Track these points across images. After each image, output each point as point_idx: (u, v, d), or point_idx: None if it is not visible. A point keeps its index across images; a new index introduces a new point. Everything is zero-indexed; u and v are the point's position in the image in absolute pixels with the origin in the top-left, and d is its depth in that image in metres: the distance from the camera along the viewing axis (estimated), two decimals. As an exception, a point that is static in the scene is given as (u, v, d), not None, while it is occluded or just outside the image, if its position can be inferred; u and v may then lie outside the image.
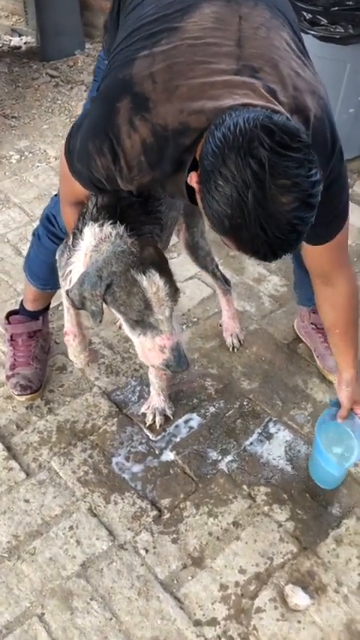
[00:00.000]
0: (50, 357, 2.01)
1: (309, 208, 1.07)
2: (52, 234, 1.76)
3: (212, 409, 1.90)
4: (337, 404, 1.67)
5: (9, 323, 1.94)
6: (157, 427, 1.83)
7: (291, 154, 1.03)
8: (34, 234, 1.85)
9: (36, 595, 1.47)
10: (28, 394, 1.85)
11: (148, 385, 1.94)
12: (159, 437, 1.81)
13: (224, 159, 1.03)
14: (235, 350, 2.08)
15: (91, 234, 1.37)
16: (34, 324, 1.93)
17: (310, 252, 1.47)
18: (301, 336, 2.16)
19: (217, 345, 2.11)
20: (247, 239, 1.07)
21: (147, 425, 1.83)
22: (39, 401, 1.89)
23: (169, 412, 1.85)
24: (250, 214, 1.03)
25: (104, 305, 1.32)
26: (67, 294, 1.40)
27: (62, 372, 1.99)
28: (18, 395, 1.85)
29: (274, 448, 1.81)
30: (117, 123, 1.18)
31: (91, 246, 1.36)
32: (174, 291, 1.32)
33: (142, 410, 1.86)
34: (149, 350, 1.35)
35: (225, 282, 2.05)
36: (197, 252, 1.91)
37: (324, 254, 1.46)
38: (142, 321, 1.31)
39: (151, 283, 1.27)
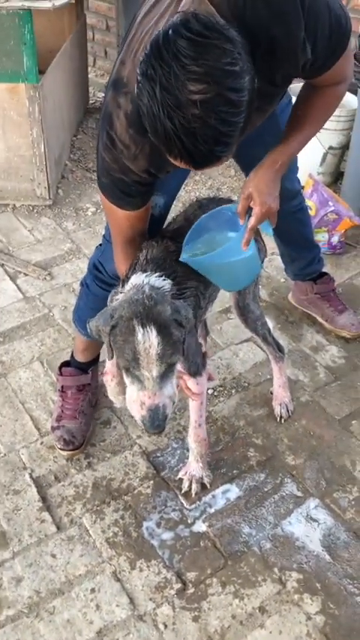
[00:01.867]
0: (96, 411, 2.04)
1: (229, 104, 1.01)
2: (100, 281, 1.83)
3: (252, 482, 1.85)
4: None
5: (61, 374, 1.99)
6: (193, 495, 1.79)
7: (206, 41, 1.00)
8: (82, 284, 1.93)
9: (48, 658, 1.45)
10: (70, 450, 1.87)
11: (188, 450, 1.92)
12: (193, 505, 1.77)
13: (143, 59, 1.05)
14: (283, 421, 2.02)
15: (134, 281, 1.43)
16: (84, 377, 1.96)
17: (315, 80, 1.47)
18: (302, 308, 2.43)
19: (265, 414, 2.06)
20: (163, 138, 1.05)
21: (182, 492, 1.80)
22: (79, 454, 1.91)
23: (206, 480, 1.81)
24: (159, 106, 1.01)
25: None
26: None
27: (106, 427, 2.00)
28: (61, 449, 1.88)
29: (312, 532, 1.72)
30: (108, 112, 1.30)
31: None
32: (170, 355, 1.30)
33: (180, 475, 1.83)
34: (133, 401, 1.35)
35: (278, 348, 2.01)
36: (247, 315, 1.89)
37: (327, 74, 1.41)
38: (130, 372, 1.32)
39: (145, 339, 1.28)
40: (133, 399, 1.35)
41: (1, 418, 2.01)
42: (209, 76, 1.00)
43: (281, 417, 2.03)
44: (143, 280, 1.40)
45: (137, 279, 1.42)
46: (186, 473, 1.81)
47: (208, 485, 1.81)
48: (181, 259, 1.53)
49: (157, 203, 1.67)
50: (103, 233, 1.85)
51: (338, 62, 1.38)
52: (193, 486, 1.79)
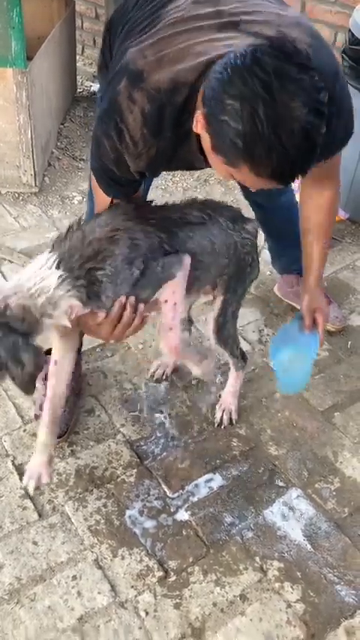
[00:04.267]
0: (80, 399, 2.03)
1: (318, 115, 1.08)
2: None
3: (235, 472, 1.85)
4: (302, 317, 1.83)
5: (45, 361, 1.97)
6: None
7: (292, 62, 1.06)
8: None
9: (28, 644, 1.44)
10: (53, 437, 1.86)
11: (172, 439, 1.92)
12: (176, 494, 1.78)
13: (229, 82, 1.08)
14: (223, 427, 1.96)
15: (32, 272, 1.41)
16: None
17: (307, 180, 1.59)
18: (287, 300, 2.45)
19: (249, 405, 2.07)
20: (262, 154, 1.08)
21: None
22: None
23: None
24: (263, 123, 1.04)
25: None
26: None
27: (90, 415, 1.99)
28: (44, 437, 1.87)
29: (294, 521, 1.73)
30: (119, 102, 1.28)
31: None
32: None
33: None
34: None
35: (242, 358, 1.93)
36: (221, 332, 1.79)
37: (324, 165, 1.48)
38: None
39: None
40: None
41: (-17, 405, 1.99)
42: (304, 91, 1.06)
43: (221, 424, 1.97)
44: (42, 282, 1.35)
45: (37, 262, 1.39)
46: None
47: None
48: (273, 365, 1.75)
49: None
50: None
51: (335, 157, 1.52)
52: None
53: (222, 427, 1.96)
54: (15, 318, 1.32)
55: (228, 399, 1.99)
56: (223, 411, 1.98)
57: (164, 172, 2.53)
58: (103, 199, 1.54)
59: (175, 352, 1.62)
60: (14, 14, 2.53)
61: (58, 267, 1.36)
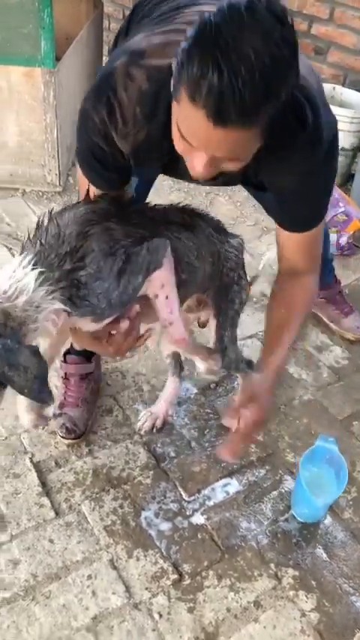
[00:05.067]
0: (99, 399, 2.04)
1: (274, 60, 0.97)
2: None
3: (252, 477, 1.85)
4: (326, 439, 1.75)
5: (65, 361, 1.99)
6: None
7: (266, 9, 0.97)
8: None
9: (43, 641, 1.45)
10: (72, 438, 1.87)
11: (189, 442, 1.93)
12: (192, 497, 1.78)
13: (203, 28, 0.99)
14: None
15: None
16: (88, 366, 1.96)
17: (286, 242, 1.49)
18: None
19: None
20: (196, 71, 0.97)
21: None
22: (81, 441, 1.91)
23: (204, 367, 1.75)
24: (208, 47, 0.96)
25: None
26: None
27: (108, 415, 2.00)
28: (62, 437, 1.88)
29: (310, 530, 1.72)
30: (114, 78, 1.22)
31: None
32: None
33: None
34: None
35: (249, 367, 1.79)
36: (223, 359, 1.68)
37: (300, 245, 1.46)
38: None
39: None
40: None
41: (3, 401, 2.00)
42: (276, 36, 0.97)
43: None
44: (20, 281, 1.19)
45: (12, 263, 1.22)
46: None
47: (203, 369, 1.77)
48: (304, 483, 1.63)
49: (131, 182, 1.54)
50: None
51: (308, 235, 1.45)
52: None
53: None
54: None
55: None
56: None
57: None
58: (85, 189, 1.43)
59: (184, 344, 1.51)
60: (45, 14, 2.56)
61: (35, 266, 1.21)
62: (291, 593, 1.58)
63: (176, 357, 1.92)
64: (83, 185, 1.46)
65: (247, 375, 1.81)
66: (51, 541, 1.65)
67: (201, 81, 0.97)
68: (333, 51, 3.41)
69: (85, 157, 1.38)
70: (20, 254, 1.25)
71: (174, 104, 1.10)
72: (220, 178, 1.24)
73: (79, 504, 1.74)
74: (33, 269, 1.19)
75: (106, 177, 1.39)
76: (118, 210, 1.34)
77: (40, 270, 1.19)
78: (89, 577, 1.58)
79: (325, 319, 2.41)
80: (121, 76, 1.22)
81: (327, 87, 3.30)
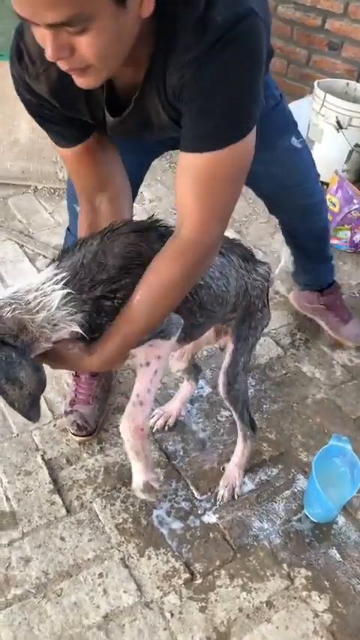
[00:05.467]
0: (110, 396, 2.03)
1: None
2: None
3: (264, 476, 1.83)
4: (339, 438, 1.73)
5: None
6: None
7: None
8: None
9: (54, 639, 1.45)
10: (83, 435, 1.87)
11: (201, 441, 1.91)
12: (204, 496, 1.76)
13: None
14: (220, 503, 1.75)
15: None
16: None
17: (178, 168, 1.18)
18: (305, 312, 2.36)
19: (279, 410, 2.04)
20: None
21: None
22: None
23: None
24: None
25: None
26: None
27: (120, 413, 1.99)
28: (73, 434, 1.87)
29: (323, 530, 1.71)
30: (21, 25, 1.15)
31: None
32: None
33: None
34: None
35: (251, 426, 1.74)
36: (232, 385, 1.61)
37: (188, 172, 1.14)
38: None
39: None
40: None
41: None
42: None
43: (222, 498, 1.75)
44: (46, 297, 1.15)
45: (40, 276, 1.20)
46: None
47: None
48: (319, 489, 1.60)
49: None
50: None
51: (202, 162, 1.12)
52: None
53: (218, 505, 1.74)
54: (8, 330, 1.12)
55: (233, 472, 1.77)
56: (226, 486, 1.76)
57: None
58: (66, 163, 1.37)
59: (136, 434, 1.35)
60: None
61: (66, 285, 1.18)
62: (304, 593, 1.57)
63: (191, 363, 1.88)
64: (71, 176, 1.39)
65: (247, 436, 1.75)
66: (62, 539, 1.64)
67: None
68: (347, 46, 3.38)
69: (36, 119, 1.29)
70: (55, 265, 1.22)
71: None
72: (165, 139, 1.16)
73: (90, 502, 1.73)
74: (62, 288, 1.17)
75: (65, 134, 1.28)
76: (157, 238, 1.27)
77: (69, 291, 1.17)
78: (100, 575, 1.57)
79: (324, 325, 2.33)
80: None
81: (340, 82, 3.27)
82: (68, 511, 1.71)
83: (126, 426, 1.34)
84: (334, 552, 1.66)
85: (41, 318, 1.14)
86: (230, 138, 1.11)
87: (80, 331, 1.19)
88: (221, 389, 1.63)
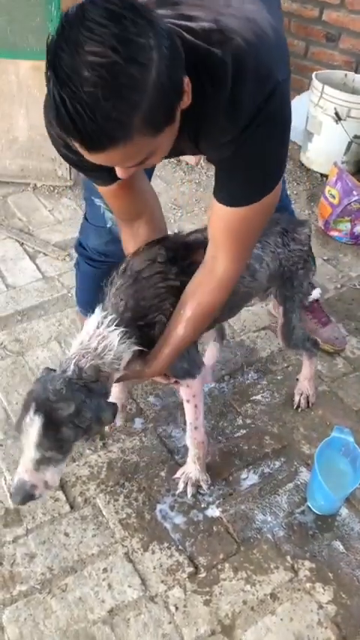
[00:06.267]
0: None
1: (127, 77, 0.89)
2: (86, 258, 1.87)
3: (267, 469, 1.84)
4: (341, 430, 1.75)
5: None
6: (189, 496, 1.75)
7: (120, 11, 0.89)
8: (75, 265, 1.97)
9: (60, 635, 1.45)
10: (85, 431, 1.88)
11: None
12: (207, 490, 1.77)
13: (58, 27, 0.93)
14: (300, 410, 2.01)
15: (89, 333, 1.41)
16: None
17: (214, 216, 1.32)
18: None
19: (281, 403, 2.05)
20: (52, 105, 0.93)
21: (177, 493, 1.76)
22: (95, 435, 1.91)
23: (204, 485, 1.76)
24: (54, 66, 0.90)
25: None
26: None
27: (122, 409, 2.00)
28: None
29: (326, 522, 1.71)
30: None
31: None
32: (47, 449, 1.29)
33: (176, 475, 1.79)
34: None
35: (314, 346, 2.00)
36: (291, 338, 1.87)
37: (227, 223, 1.29)
38: None
39: (28, 425, 1.29)
40: None
41: (17, 396, 2.01)
42: (110, 40, 0.88)
43: (299, 406, 2.02)
44: (103, 341, 1.37)
45: (92, 322, 1.41)
46: (183, 473, 1.78)
47: (206, 489, 1.76)
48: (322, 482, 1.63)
49: None
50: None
51: (238, 213, 1.25)
52: (189, 489, 1.75)
53: (299, 410, 2.01)
54: (91, 378, 1.35)
55: (305, 384, 2.03)
56: (301, 394, 2.03)
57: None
58: (105, 197, 1.46)
59: (201, 447, 1.75)
60: (52, 7, 2.54)
61: (117, 325, 1.39)
62: (308, 585, 1.57)
63: (220, 327, 2.03)
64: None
65: (311, 354, 1.97)
66: (66, 534, 1.65)
67: (57, 117, 0.94)
68: (345, 37, 3.36)
69: (75, 168, 1.37)
70: (100, 308, 1.43)
71: None
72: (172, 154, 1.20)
73: (94, 498, 1.74)
74: (115, 329, 1.38)
75: (102, 177, 1.35)
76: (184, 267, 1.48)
77: (122, 330, 1.38)
78: (105, 570, 1.58)
79: None
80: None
81: (339, 74, 3.26)
82: (72, 507, 1.71)
83: (192, 444, 1.74)
84: (337, 544, 1.66)
85: (110, 358, 1.37)
86: (263, 195, 1.25)
87: (140, 348, 1.43)
88: (281, 343, 1.91)
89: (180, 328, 1.45)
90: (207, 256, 1.39)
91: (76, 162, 1.27)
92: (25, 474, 1.31)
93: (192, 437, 1.72)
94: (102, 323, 1.39)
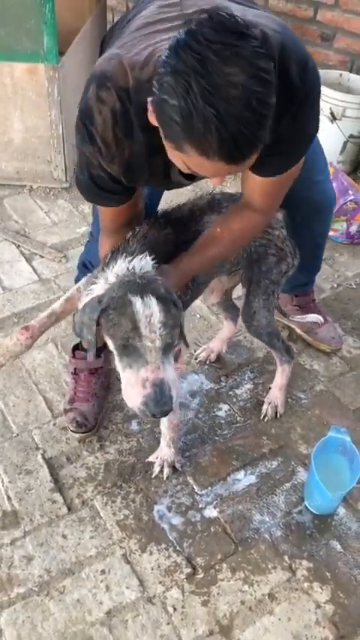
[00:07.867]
0: (109, 394, 2.03)
1: (260, 82, 1.01)
2: None
3: (264, 469, 1.84)
4: (338, 430, 1.75)
5: (74, 357, 1.99)
6: (165, 478, 1.77)
7: (229, 30, 1.01)
8: (75, 281, 1.93)
9: (58, 637, 1.45)
10: (82, 432, 1.87)
11: (201, 435, 1.92)
12: (205, 491, 1.77)
13: (166, 61, 1.05)
14: (266, 420, 1.97)
15: (118, 266, 1.38)
16: (96, 361, 1.95)
17: (252, 182, 1.44)
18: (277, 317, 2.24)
19: (279, 403, 2.05)
20: (200, 128, 1.01)
21: (153, 476, 1.78)
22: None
23: (177, 465, 1.80)
24: (197, 95, 0.99)
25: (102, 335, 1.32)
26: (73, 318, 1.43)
27: (119, 410, 2.00)
28: (73, 431, 1.88)
29: (324, 521, 1.71)
30: (89, 106, 1.26)
31: (112, 277, 1.36)
32: (171, 327, 1.22)
33: (151, 459, 1.82)
34: (132, 386, 1.24)
35: (287, 352, 1.94)
36: (250, 323, 1.83)
37: (265, 187, 1.43)
38: (129, 349, 1.23)
39: (145, 306, 1.21)
40: (132, 382, 1.24)
41: (14, 398, 2.01)
42: (242, 58, 1.00)
43: (265, 416, 1.98)
44: (131, 263, 1.36)
45: (123, 262, 1.37)
46: (157, 457, 1.81)
47: (180, 469, 1.80)
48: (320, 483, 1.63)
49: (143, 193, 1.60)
50: (90, 230, 1.84)
51: (277, 179, 1.40)
52: (165, 470, 1.78)
53: (265, 420, 1.98)
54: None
55: (275, 392, 2.01)
56: (269, 404, 1.99)
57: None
58: (100, 212, 1.54)
59: (176, 430, 1.78)
60: (47, 9, 2.54)
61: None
62: (305, 585, 1.57)
63: (224, 299, 2.04)
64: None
65: (283, 361, 1.94)
66: (64, 536, 1.65)
67: (208, 137, 1.02)
68: (339, 37, 3.36)
69: (88, 187, 1.41)
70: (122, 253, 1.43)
71: (170, 147, 1.13)
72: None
73: (91, 499, 1.74)
74: (142, 256, 1.40)
75: (113, 199, 1.44)
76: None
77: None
78: (103, 572, 1.58)
79: (298, 330, 2.27)
80: (94, 103, 1.25)
81: (334, 73, 3.26)
82: (69, 509, 1.71)
83: (167, 429, 1.76)
84: (335, 543, 1.66)
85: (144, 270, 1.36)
86: (299, 161, 1.42)
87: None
88: (245, 325, 1.87)
89: (217, 237, 1.51)
90: (236, 206, 1.54)
91: (103, 184, 1.36)
92: (156, 372, 1.20)
93: (168, 419, 1.71)
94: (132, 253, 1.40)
